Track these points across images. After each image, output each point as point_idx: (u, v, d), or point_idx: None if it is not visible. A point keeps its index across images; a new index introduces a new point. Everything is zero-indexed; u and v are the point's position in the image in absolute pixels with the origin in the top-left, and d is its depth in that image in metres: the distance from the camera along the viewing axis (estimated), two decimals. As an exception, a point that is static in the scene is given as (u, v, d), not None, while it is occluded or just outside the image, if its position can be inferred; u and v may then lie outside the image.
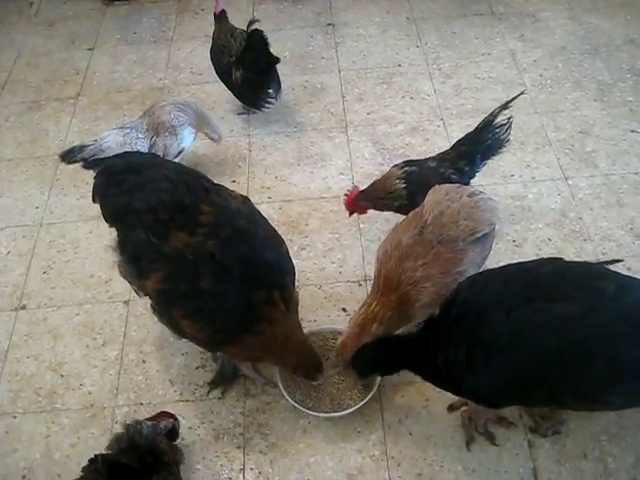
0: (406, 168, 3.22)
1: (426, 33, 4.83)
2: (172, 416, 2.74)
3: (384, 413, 2.94)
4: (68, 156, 3.67)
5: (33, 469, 2.92)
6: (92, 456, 2.49)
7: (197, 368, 3.17)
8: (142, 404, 3.07)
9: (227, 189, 2.84)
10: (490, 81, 4.41)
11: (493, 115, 3.25)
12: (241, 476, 2.82)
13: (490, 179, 3.67)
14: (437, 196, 2.92)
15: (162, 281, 2.60)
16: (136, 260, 2.70)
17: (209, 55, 4.26)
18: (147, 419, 2.65)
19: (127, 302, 3.44)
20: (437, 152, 3.42)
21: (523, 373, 2.35)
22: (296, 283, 2.86)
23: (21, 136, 4.44)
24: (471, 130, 3.35)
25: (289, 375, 2.98)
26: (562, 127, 4.07)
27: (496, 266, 2.69)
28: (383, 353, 2.70)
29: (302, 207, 3.78)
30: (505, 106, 3.25)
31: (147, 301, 2.87)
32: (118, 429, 2.91)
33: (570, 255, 3.37)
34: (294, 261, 2.86)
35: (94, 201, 2.93)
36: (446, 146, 3.48)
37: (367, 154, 4.02)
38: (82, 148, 3.67)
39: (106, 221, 2.88)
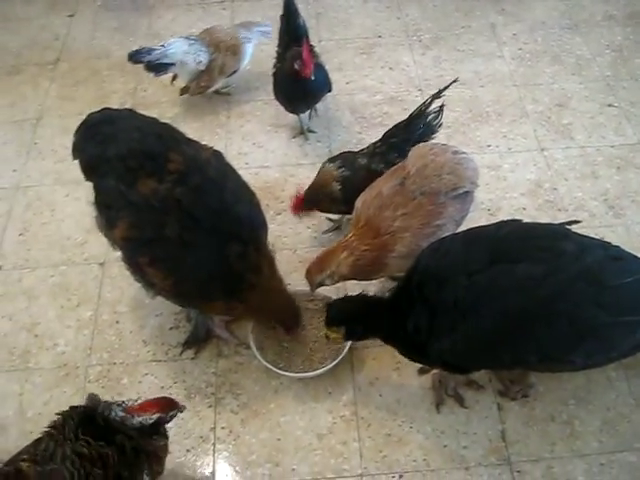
0: (341, 172, 3.17)
1: (407, 5, 4.82)
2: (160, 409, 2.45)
3: (355, 375, 2.97)
4: (135, 57, 3.86)
5: (5, 426, 2.93)
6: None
7: (171, 329, 3.18)
8: (115, 364, 3.08)
9: (198, 142, 2.85)
10: (470, 53, 4.42)
11: (425, 105, 3.19)
12: (212, 435, 2.84)
13: (466, 148, 3.64)
14: (421, 151, 2.94)
15: (128, 228, 2.62)
16: (107, 209, 2.72)
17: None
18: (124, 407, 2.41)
19: (102, 264, 3.45)
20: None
21: (487, 335, 2.37)
22: (272, 247, 2.86)
23: (-1, 100, 4.43)
24: (404, 119, 3.27)
25: (262, 336, 3.01)
26: (540, 100, 4.09)
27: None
28: (358, 309, 2.70)
29: (279, 173, 3.79)
30: (438, 95, 3.18)
31: (122, 263, 2.88)
32: (91, 388, 2.96)
33: (544, 224, 3.39)
34: (270, 226, 2.88)
35: (74, 157, 2.93)
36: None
37: (345, 122, 4.03)
38: (149, 51, 3.85)
39: (84, 175, 2.88)
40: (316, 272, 2.87)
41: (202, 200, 2.60)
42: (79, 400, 2.93)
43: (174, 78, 4.18)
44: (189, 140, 2.84)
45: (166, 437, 2.48)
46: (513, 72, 4.27)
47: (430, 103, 3.19)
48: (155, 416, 2.37)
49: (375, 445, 2.78)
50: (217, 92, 4.25)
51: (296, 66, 3.52)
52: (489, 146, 3.85)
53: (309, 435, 2.82)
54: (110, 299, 3.32)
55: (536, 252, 2.37)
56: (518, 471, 2.68)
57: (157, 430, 2.43)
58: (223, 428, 2.86)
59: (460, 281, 2.36)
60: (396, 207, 2.80)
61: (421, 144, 3.05)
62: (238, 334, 3.11)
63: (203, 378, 3.01)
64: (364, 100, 4.15)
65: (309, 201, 3.26)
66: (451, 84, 3.22)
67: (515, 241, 2.46)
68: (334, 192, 3.16)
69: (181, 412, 2.49)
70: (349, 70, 4.35)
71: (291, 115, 3.98)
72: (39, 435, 2.32)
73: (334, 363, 2.90)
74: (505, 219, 2.71)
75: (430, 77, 4.23)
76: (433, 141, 3.22)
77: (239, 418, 2.87)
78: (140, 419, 2.35)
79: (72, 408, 2.39)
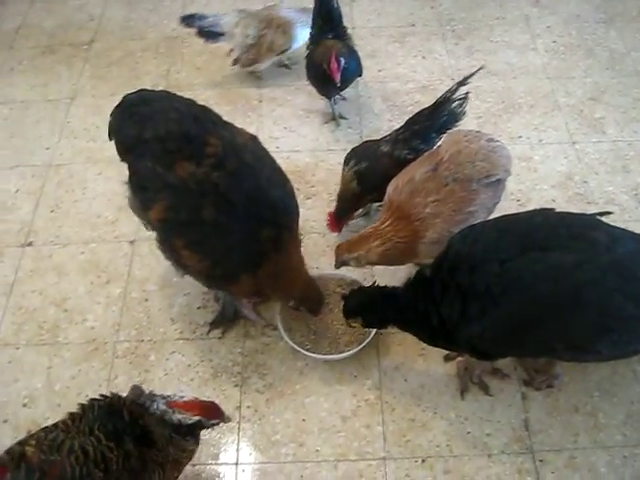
0: (356, 167, 3.17)
1: (441, -6, 4.82)
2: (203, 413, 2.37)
3: (381, 359, 2.99)
4: (187, 20, 3.98)
5: (34, 398, 2.98)
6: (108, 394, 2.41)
7: (199, 308, 3.22)
8: (143, 340, 3.12)
9: (235, 126, 2.86)
10: (503, 45, 4.41)
11: (451, 92, 3.16)
12: (237, 413, 2.87)
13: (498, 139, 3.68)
14: (455, 137, 2.95)
15: (165, 210, 2.64)
16: (142, 190, 2.74)
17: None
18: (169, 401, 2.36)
19: (132, 242, 3.48)
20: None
21: (518, 322, 2.37)
22: (300, 230, 2.89)
23: (34, 79, 4.46)
24: (429, 106, 3.24)
25: (289, 318, 3.04)
26: (572, 93, 4.08)
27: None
28: (372, 300, 2.73)
29: (310, 158, 3.81)
30: (463, 82, 3.15)
31: (152, 242, 2.91)
32: (119, 364, 2.99)
33: (573, 217, 3.38)
34: (300, 209, 2.89)
35: (110, 138, 2.95)
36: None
37: (376, 110, 4.04)
38: (202, 17, 3.98)
39: (119, 155, 2.90)
40: (344, 251, 2.91)
41: (239, 185, 2.61)
42: (106, 375, 3.00)
43: (231, 50, 4.21)
44: (226, 123, 2.86)
45: (197, 443, 2.44)
46: (546, 64, 4.25)
47: (455, 90, 3.16)
48: (195, 418, 2.31)
49: (399, 429, 2.80)
50: (284, 65, 4.34)
51: (324, 66, 3.56)
52: (520, 137, 3.84)
53: (333, 417, 2.84)
54: (139, 277, 3.35)
55: (568, 241, 2.36)
56: (541, 460, 2.69)
57: (193, 432, 2.39)
58: (248, 407, 2.89)
59: (492, 268, 2.36)
60: (428, 193, 2.81)
61: (455, 130, 3.05)
62: (265, 316, 3.14)
63: (230, 357, 3.04)
64: (396, 88, 4.16)
65: (341, 212, 3.28)
66: (477, 72, 3.20)
67: (547, 229, 2.46)
68: (354, 190, 3.17)
69: (225, 422, 2.44)
70: (382, 58, 4.35)
71: (323, 101, 4.00)
72: (64, 418, 2.33)
73: (360, 347, 2.92)
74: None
75: (463, 67, 4.22)
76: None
77: (264, 398, 2.90)
78: (180, 417, 2.30)
79: (95, 400, 2.38)
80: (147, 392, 2.39)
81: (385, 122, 3.94)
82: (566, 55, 4.33)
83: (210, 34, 4.02)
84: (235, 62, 4.20)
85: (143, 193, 2.74)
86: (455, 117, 3.19)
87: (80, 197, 3.74)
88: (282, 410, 2.87)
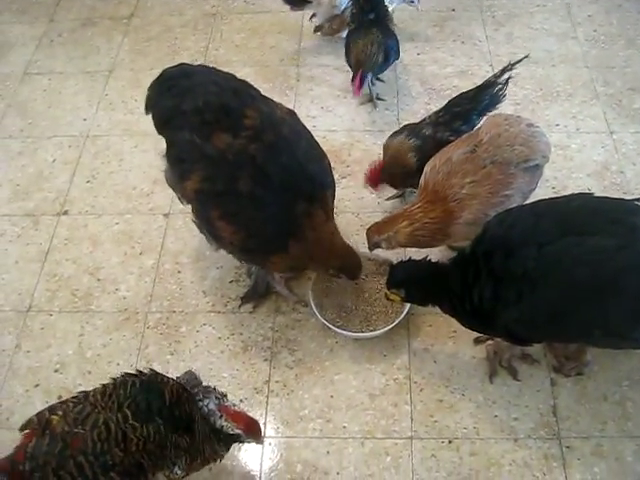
0: (413, 142, 3.15)
1: (482, -20, 4.78)
2: (246, 428, 2.36)
3: (411, 340, 2.99)
4: None
5: (65, 364, 3.02)
6: (147, 369, 2.41)
7: (231, 282, 3.23)
8: (174, 312, 3.14)
9: (274, 101, 2.87)
10: (543, 32, 4.37)
11: (496, 76, 3.16)
12: (266, 387, 2.89)
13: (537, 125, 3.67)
14: (496, 120, 2.94)
15: (201, 181, 2.66)
16: (179, 162, 2.75)
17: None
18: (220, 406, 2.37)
19: (167, 215, 3.50)
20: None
21: (555, 307, 2.35)
22: (335, 209, 2.90)
23: (73, 51, 4.49)
24: (471, 89, 3.25)
25: (321, 295, 3.06)
26: (611, 82, 4.04)
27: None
28: (421, 273, 2.72)
29: (346, 138, 3.80)
30: (509, 67, 3.14)
31: (186, 215, 2.93)
32: (149, 334, 3.01)
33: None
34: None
35: (147, 112, 2.97)
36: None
37: (414, 93, 4.02)
38: None
39: (156, 129, 2.92)
40: (375, 233, 2.91)
41: (275, 158, 2.62)
42: (137, 345, 3.04)
43: (313, 15, 4.27)
44: (265, 98, 2.87)
45: (227, 451, 2.46)
46: (586, 53, 4.21)
47: (501, 75, 3.16)
48: (237, 431, 2.32)
49: (426, 409, 2.80)
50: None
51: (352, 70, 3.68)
52: (557, 125, 3.81)
53: (362, 395, 2.85)
54: (173, 249, 3.37)
55: (607, 226, 2.35)
56: (567, 446, 2.68)
57: (227, 441, 2.41)
58: (277, 382, 2.90)
59: (530, 252, 2.35)
60: (465, 174, 2.80)
61: (496, 113, 3.04)
62: (297, 292, 3.16)
63: (260, 332, 3.06)
64: (434, 72, 4.14)
65: (386, 174, 3.25)
66: (523, 59, 3.18)
67: (586, 214, 2.45)
68: (410, 163, 3.14)
69: (256, 444, 2.51)
70: (421, 41, 4.33)
71: (363, 81, 3.99)
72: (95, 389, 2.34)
73: (391, 326, 2.93)
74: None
75: (502, 53, 4.19)
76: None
77: (293, 373, 2.91)
78: (224, 424, 2.31)
79: (130, 376, 2.37)
80: (203, 385, 2.43)
81: (422, 105, 3.93)
82: (606, 44, 4.28)
83: (296, 1, 4.09)
84: (317, 29, 4.29)
85: (180, 165, 2.75)
86: (496, 100, 3.19)
87: (116, 169, 3.76)
88: (311, 386, 2.89)
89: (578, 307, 2.34)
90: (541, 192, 3.31)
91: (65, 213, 3.57)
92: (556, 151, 3.62)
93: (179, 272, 3.28)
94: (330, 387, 2.88)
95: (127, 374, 2.38)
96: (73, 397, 2.32)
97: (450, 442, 2.72)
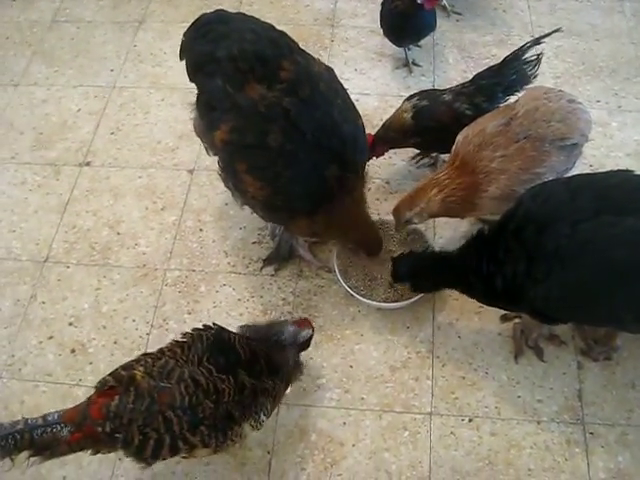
0: (416, 102, 3.09)
1: (527, -52, 4.64)
2: (312, 326, 2.58)
3: (435, 313, 2.92)
4: None
5: (80, 318, 2.97)
6: (210, 324, 2.40)
7: (253, 243, 3.16)
8: (194, 271, 3.08)
9: (312, 55, 2.77)
10: (588, 5, 4.23)
11: (522, 50, 3.03)
12: (284, 353, 2.82)
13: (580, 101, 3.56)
14: (535, 93, 2.81)
15: (230, 131, 2.56)
16: (210, 110, 2.66)
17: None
18: (291, 321, 2.55)
19: (191, 171, 3.42)
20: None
21: (586, 287, 2.26)
22: (366, 174, 2.80)
23: (103, 0, 4.39)
24: (498, 62, 3.12)
25: (346, 262, 2.98)
26: (657, 60, 3.92)
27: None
28: (423, 265, 2.67)
29: (379, 102, 3.71)
30: (537, 41, 3.02)
31: (211, 172, 2.84)
32: (168, 291, 2.94)
33: (647, 188, 3.25)
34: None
35: (181, 57, 2.88)
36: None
37: (451, 59, 3.91)
38: None
39: (188, 76, 2.83)
40: (405, 209, 2.80)
41: (310, 113, 2.52)
42: (154, 302, 2.98)
43: None
44: (303, 51, 2.76)
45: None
46: (632, 29, 4.07)
47: (527, 49, 3.02)
48: (310, 332, 2.52)
49: (448, 386, 2.73)
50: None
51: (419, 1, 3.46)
52: (598, 102, 3.69)
53: (382, 366, 2.78)
54: (195, 207, 3.30)
55: (647, 206, 2.24)
56: (591, 433, 2.61)
57: (306, 347, 2.55)
58: (295, 348, 2.83)
59: (563, 229, 2.25)
60: (496, 147, 2.68)
61: (537, 86, 2.91)
62: (321, 257, 3.08)
63: (281, 296, 2.98)
64: (473, 39, 4.01)
65: (380, 139, 3.17)
66: (553, 32, 3.06)
67: (624, 192, 2.34)
68: (405, 123, 3.07)
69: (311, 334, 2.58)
70: (460, 8, 4.19)
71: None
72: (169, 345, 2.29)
73: (417, 297, 2.84)
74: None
75: (544, 24, 4.05)
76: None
77: (313, 340, 2.83)
78: (304, 333, 2.49)
79: (202, 330, 2.33)
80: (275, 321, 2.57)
81: (459, 73, 3.81)
82: (653, 21, 4.15)
83: None
84: None
85: (210, 113, 2.66)
86: (525, 79, 3.04)
87: (141, 121, 3.68)
88: (330, 354, 2.82)
89: (609, 289, 2.24)
90: (577, 170, 3.20)
91: (87, 164, 3.49)
92: (595, 128, 3.47)
93: (201, 230, 3.21)
94: (350, 357, 2.81)
95: (198, 329, 2.34)
96: (144, 354, 2.28)
97: (470, 420, 2.65)
